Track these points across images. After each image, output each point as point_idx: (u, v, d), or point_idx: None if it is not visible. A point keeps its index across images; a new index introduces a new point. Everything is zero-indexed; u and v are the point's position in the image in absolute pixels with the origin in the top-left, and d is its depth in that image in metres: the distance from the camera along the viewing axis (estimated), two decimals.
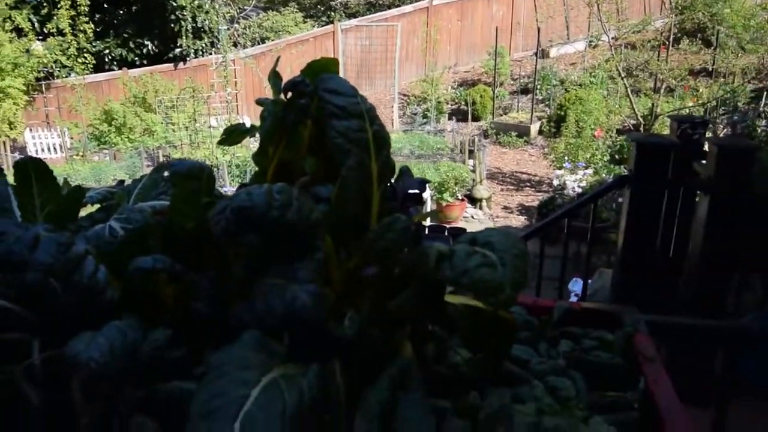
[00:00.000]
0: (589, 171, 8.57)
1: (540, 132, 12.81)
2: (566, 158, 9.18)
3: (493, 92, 13.93)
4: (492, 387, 1.05)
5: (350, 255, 0.93)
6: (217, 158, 10.69)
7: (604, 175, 8.39)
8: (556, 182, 8.78)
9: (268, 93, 1.25)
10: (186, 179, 0.90)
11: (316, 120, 1.12)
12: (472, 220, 8.91)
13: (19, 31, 12.71)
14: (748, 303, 3.33)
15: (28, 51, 12.58)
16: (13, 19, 12.56)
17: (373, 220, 1.07)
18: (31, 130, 12.29)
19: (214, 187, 0.96)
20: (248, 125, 1.22)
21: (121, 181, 1.37)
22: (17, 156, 10.89)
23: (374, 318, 0.88)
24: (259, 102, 1.18)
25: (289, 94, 1.12)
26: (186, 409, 0.66)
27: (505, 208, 9.55)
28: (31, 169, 0.93)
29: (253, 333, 0.75)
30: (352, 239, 1.00)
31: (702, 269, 2.90)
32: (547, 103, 13.62)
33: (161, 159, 11.25)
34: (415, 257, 0.78)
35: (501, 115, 13.78)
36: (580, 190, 8.05)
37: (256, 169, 1.14)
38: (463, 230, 7.97)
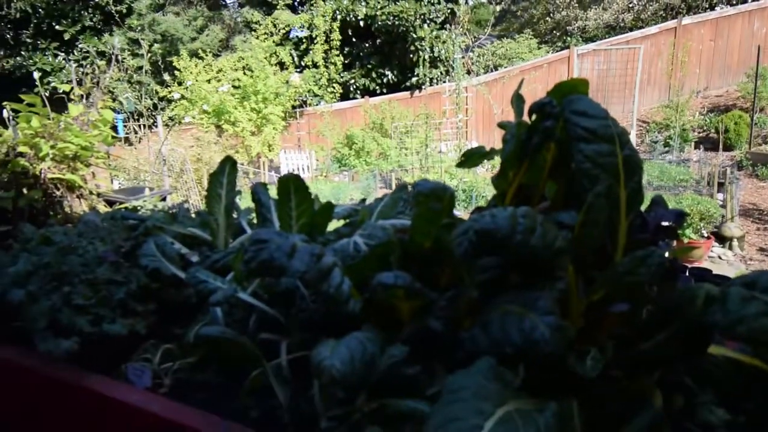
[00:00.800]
0: None
1: None
2: None
3: (752, 118, 12.37)
4: None
5: (593, 287, 0.87)
6: (445, 182, 10.99)
7: None
8: None
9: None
10: (428, 199, 0.91)
11: (560, 143, 1.08)
12: (719, 260, 7.94)
13: (281, 65, 14.45)
14: None
15: (287, 82, 14.24)
16: (277, 54, 14.32)
17: (618, 252, 0.99)
18: (284, 151, 13.84)
19: (453, 209, 0.96)
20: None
21: (363, 200, 1.45)
22: (274, 174, 12.34)
23: (619, 359, 0.80)
24: (501, 125, 1.17)
25: (534, 117, 1.09)
26: (415, 428, 0.65)
27: (761, 250, 8.37)
28: (292, 184, 1.02)
29: (489, 361, 0.72)
30: (595, 271, 0.93)
31: None
32: None
33: (393, 181, 11.90)
34: (677, 297, 0.70)
35: (760, 145, 12.16)
36: None
37: (494, 192, 1.12)
38: (708, 271, 7.15)
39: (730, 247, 8.22)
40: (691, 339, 0.70)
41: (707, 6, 17.11)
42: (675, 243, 7.89)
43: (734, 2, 15.58)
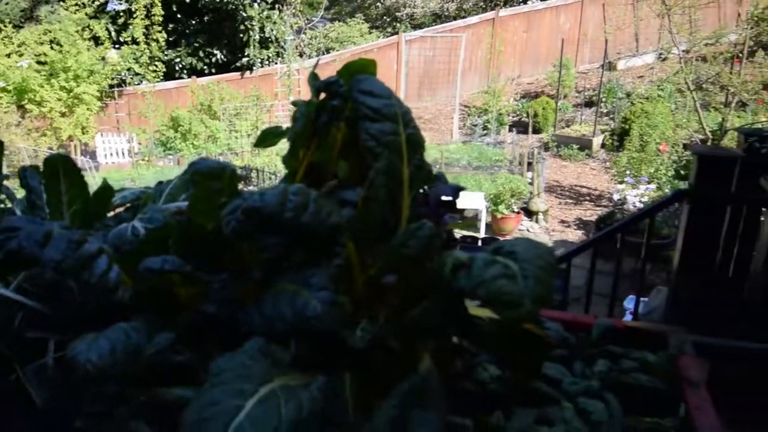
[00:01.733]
0: (652, 186, 8.25)
1: (603, 145, 12.46)
2: (628, 173, 8.88)
3: (556, 104, 13.66)
4: (518, 407, 0.99)
5: (371, 262, 0.90)
6: (276, 165, 10.87)
7: (667, 190, 8.07)
8: (616, 197, 8.50)
9: None
10: (206, 178, 0.88)
11: (350, 122, 1.10)
12: (528, 233, 8.72)
13: (96, 40, 13.30)
14: None
15: (103, 59, 13.16)
16: (91, 28, 13.15)
17: (402, 226, 1.03)
18: (101, 134, 12.81)
19: (237, 187, 0.94)
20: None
21: (160, 182, 1.38)
22: (89, 160, 11.37)
23: (394, 329, 0.84)
24: (294, 103, 1.17)
25: (323, 96, 1.10)
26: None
27: (563, 222, 9.31)
28: (60, 166, 0.94)
29: (257, 341, 0.72)
30: (379, 246, 0.96)
31: (765, 291, 2.71)
32: (611, 116, 13.25)
33: None
34: (434, 266, 0.74)
35: (563, 128, 13.49)
36: (641, 206, 7.75)
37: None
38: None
39: (537, 221, 9.04)
40: (449, 305, 0.75)
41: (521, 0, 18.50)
42: (491, 219, 8.48)
43: None
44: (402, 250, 0.86)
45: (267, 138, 1.22)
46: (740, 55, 11.16)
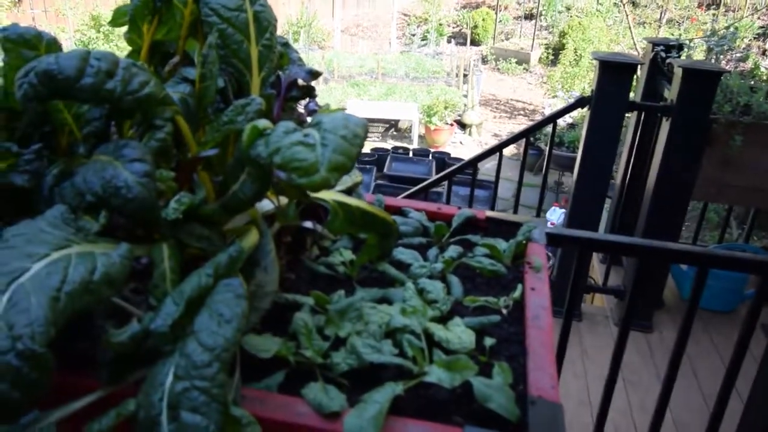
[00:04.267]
0: None
1: (540, 60, 12.48)
2: (561, 87, 8.97)
3: (496, 16, 13.48)
4: (365, 287, 1.01)
5: (201, 138, 0.88)
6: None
7: None
8: (548, 111, 8.62)
9: None
10: (18, 46, 0.82)
11: None
12: (460, 145, 8.79)
13: None
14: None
15: None
16: None
17: None
18: None
19: None
20: None
21: None
22: None
23: (220, 203, 0.83)
24: None
25: None
26: None
27: (495, 135, 9.41)
28: None
29: (59, 207, 0.70)
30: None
31: (655, 195, 2.83)
32: (550, 30, 13.21)
33: None
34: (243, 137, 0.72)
35: (503, 41, 13.39)
36: (571, 120, 7.90)
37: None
38: (448, 155, 7.88)
39: (470, 134, 9.11)
40: (260, 177, 0.75)
41: None
42: (424, 131, 8.48)
43: None
44: (230, 125, 0.84)
45: (120, 16, 1.14)
46: None
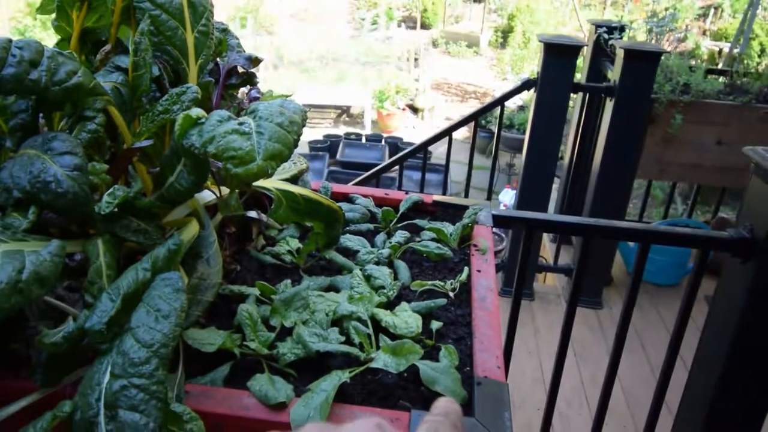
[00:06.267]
0: None
1: (490, 43, 12.57)
2: (511, 70, 9.07)
3: None
4: (312, 276, 1.01)
5: (136, 128, 0.85)
6: None
7: None
8: (498, 94, 8.69)
9: None
10: None
11: None
12: (413, 130, 8.81)
13: None
14: None
15: None
16: None
17: None
18: None
19: None
20: None
21: None
22: None
23: (156, 196, 0.81)
24: None
25: None
26: None
27: (448, 119, 9.46)
28: None
29: None
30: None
31: (600, 174, 2.90)
32: (499, 13, 13.30)
33: None
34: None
35: (453, 24, 13.43)
36: (521, 102, 8.00)
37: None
38: (401, 140, 7.89)
39: (423, 118, 9.14)
40: (196, 167, 0.73)
41: None
42: (376, 116, 8.46)
43: None
44: (164, 115, 0.81)
45: (49, 3, 1.10)
46: None
